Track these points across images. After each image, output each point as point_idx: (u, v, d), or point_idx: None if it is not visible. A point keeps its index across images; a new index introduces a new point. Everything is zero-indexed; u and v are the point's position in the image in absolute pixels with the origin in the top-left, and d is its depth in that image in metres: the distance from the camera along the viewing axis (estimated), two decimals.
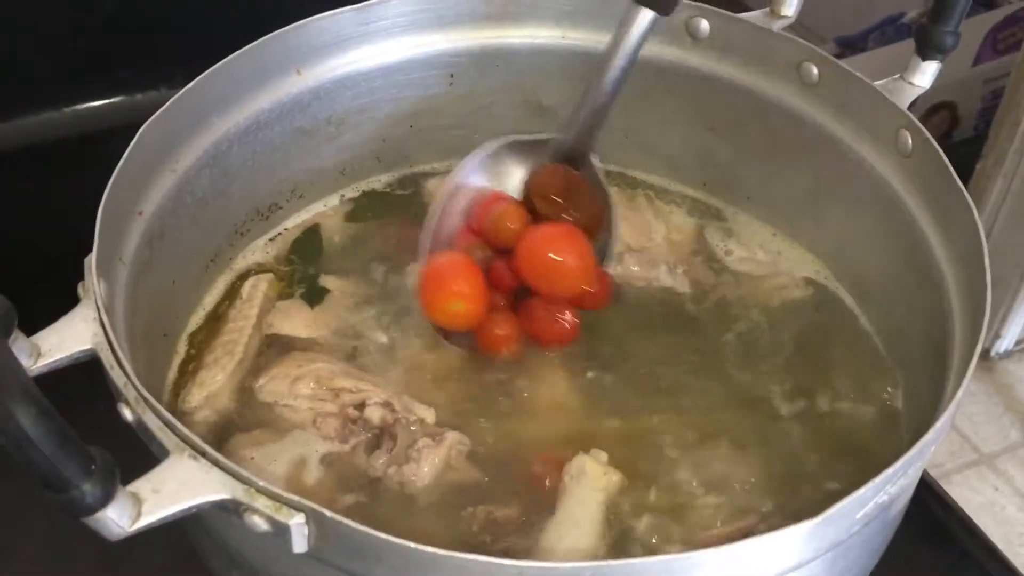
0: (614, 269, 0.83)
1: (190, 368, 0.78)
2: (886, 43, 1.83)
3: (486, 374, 0.78)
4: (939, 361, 0.67)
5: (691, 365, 0.79)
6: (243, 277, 0.84)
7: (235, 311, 0.81)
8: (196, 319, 0.81)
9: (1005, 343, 1.80)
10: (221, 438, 0.73)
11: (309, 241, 0.88)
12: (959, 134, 1.92)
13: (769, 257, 0.87)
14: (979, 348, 0.61)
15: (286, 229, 0.89)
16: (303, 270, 0.86)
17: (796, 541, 0.54)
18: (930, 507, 0.86)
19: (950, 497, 0.88)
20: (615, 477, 0.70)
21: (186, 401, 0.75)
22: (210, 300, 0.83)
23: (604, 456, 0.71)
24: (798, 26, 0.86)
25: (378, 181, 0.93)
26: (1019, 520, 1.64)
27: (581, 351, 0.79)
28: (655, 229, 0.89)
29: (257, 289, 0.82)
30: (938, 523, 0.86)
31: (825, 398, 0.77)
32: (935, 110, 1.87)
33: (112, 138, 0.71)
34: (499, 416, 0.75)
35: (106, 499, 0.50)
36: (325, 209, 0.90)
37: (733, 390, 0.77)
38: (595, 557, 0.66)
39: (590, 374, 0.78)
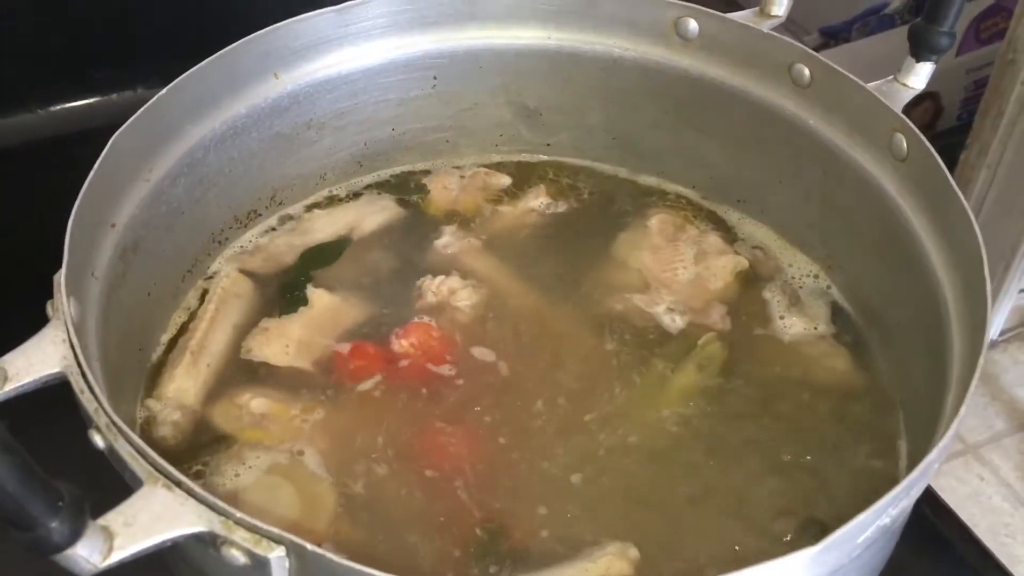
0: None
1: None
2: (869, 33, 1.82)
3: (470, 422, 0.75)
4: (938, 373, 0.65)
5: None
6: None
7: (201, 310, 0.80)
8: (173, 330, 0.79)
9: (990, 333, 1.80)
10: (193, 442, 0.72)
11: (329, 251, 0.85)
12: (942, 124, 1.91)
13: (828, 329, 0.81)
14: (981, 362, 0.59)
15: (272, 229, 0.87)
16: (293, 275, 0.83)
17: (797, 569, 0.52)
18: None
19: (933, 488, 0.87)
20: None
21: (147, 406, 0.73)
22: (188, 308, 0.81)
23: (635, 552, 0.66)
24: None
25: (359, 183, 0.91)
26: (1004, 510, 1.63)
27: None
28: (685, 266, 0.84)
29: (218, 285, 0.80)
30: (922, 515, 0.83)
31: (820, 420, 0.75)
32: (918, 100, 1.85)
33: (88, 140, 0.69)
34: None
35: (75, 536, 0.47)
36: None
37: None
38: None
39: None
